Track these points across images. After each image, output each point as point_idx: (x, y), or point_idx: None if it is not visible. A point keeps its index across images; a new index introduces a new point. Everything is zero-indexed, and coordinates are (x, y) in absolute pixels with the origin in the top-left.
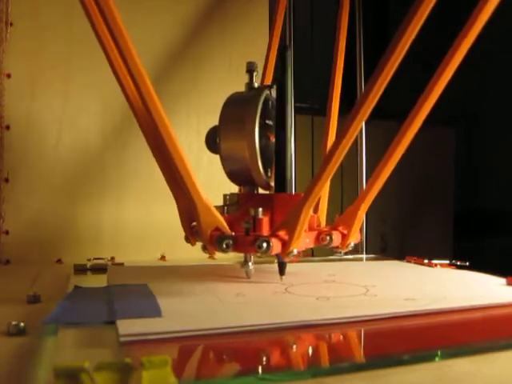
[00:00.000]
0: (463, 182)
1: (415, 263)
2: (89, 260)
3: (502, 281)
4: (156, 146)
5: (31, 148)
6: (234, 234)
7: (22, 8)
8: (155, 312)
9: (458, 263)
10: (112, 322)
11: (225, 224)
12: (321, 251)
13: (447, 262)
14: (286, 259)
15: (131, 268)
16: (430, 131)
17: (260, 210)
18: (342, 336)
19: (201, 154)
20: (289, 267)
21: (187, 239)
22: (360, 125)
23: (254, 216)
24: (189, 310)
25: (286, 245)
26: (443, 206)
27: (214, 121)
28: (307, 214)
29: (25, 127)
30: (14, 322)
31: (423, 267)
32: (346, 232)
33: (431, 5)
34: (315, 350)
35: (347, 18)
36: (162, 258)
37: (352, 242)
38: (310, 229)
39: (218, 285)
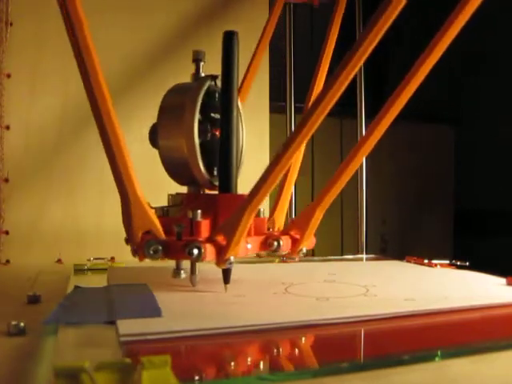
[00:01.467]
0: (463, 182)
1: (415, 263)
2: (89, 260)
3: (502, 281)
4: (105, 140)
5: (31, 148)
6: (164, 238)
7: (22, 8)
8: (155, 312)
9: (458, 263)
10: (112, 322)
11: (158, 226)
12: (321, 251)
13: (447, 262)
14: (222, 266)
15: (131, 268)
16: (430, 131)
17: (199, 212)
18: (342, 336)
19: None
20: (289, 267)
21: (127, 241)
22: (314, 124)
23: (191, 219)
24: (189, 310)
25: (222, 251)
26: (443, 206)
27: None
28: (249, 218)
29: (25, 127)
30: (13, 322)
31: (423, 267)
32: (298, 236)
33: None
34: (315, 350)
35: (339, 23)
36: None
37: (304, 247)
38: (258, 233)
39: (218, 285)
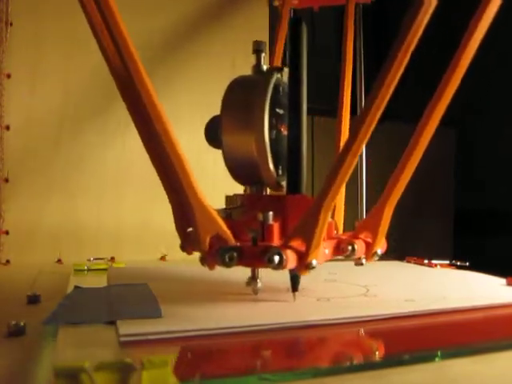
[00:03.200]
0: (463, 182)
1: (415, 263)
2: (89, 260)
3: (502, 281)
4: (150, 141)
5: (31, 148)
6: (238, 243)
7: (22, 8)
8: (155, 312)
9: (458, 263)
10: (112, 322)
11: (227, 230)
12: None
13: (447, 262)
14: (304, 272)
15: (131, 268)
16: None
17: (270, 214)
18: (342, 336)
19: (204, 154)
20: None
21: (183, 248)
22: (376, 115)
23: (262, 222)
24: (189, 310)
25: (302, 257)
26: (443, 206)
27: None
28: (326, 217)
29: (25, 127)
30: (13, 322)
31: (423, 267)
32: (369, 239)
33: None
34: (315, 350)
35: (353, 27)
36: (162, 258)
37: (378, 250)
38: (328, 237)
39: (218, 285)
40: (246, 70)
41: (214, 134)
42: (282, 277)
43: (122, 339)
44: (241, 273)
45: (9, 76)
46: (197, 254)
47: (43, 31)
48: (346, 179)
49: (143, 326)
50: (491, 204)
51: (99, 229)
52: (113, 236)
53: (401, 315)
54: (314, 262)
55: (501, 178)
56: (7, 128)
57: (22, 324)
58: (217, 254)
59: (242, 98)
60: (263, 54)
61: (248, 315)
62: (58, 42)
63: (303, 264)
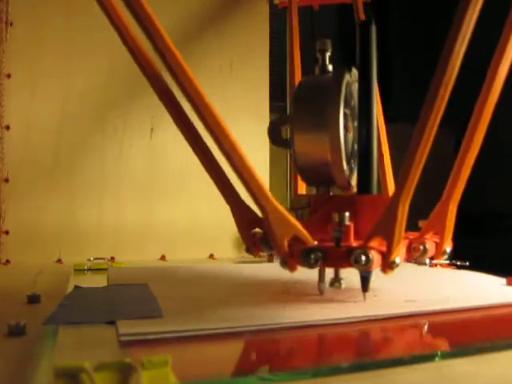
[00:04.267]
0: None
1: (415, 263)
2: (89, 260)
3: (502, 281)
4: (202, 151)
5: (31, 148)
6: (321, 245)
7: (22, 8)
8: (155, 312)
9: (458, 263)
10: (112, 322)
11: (305, 232)
12: None
13: (447, 262)
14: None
15: (131, 268)
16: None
17: (347, 214)
18: (342, 336)
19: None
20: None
21: (249, 250)
22: (441, 107)
23: (339, 222)
24: (189, 310)
25: (385, 255)
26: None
27: None
28: (404, 215)
29: (25, 127)
30: (13, 322)
31: (423, 267)
32: (437, 238)
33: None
34: (315, 350)
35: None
36: (162, 258)
37: (447, 248)
38: None
39: (217, 285)
40: (244, 70)
41: (277, 134)
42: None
43: (122, 339)
44: (242, 274)
45: (9, 76)
46: (196, 255)
47: (43, 31)
48: (418, 174)
49: (143, 326)
50: (491, 204)
51: (99, 229)
52: (113, 236)
53: (401, 315)
54: (398, 260)
55: (501, 178)
56: (7, 128)
57: (22, 324)
58: (299, 255)
59: (314, 98)
60: (328, 53)
61: (248, 315)
62: (58, 43)
63: (387, 263)
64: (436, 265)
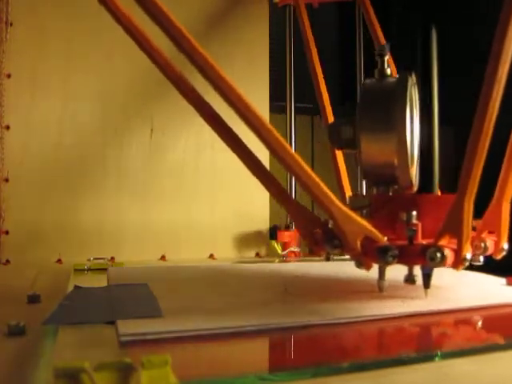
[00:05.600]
0: None
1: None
2: (89, 260)
3: (502, 281)
4: (253, 162)
5: (31, 148)
6: (396, 243)
7: (22, 8)
8: (155, 312)
9: None
10: (112, 322)
11: (376, 231)
12: None
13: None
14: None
15: (131, 268)
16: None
17: (414, 213)
18: (342, 336)
19: (202, 154)
20: (289, 267)
21: (312, 250)
22: (495, 107)
23: (406, 221)
24: (189, 310)
25: (456, 252)
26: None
27: None
28: (470, 212)
29: (25, 127)
30: (13, 322)
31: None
32: (494, 236)
33: None
34: (315, 350)
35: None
36: (162, 258)
37: (505, 245)
38: None
39: (217, 285)
40: (245, 70)
41: (337, 135)
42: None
43: (122, 339)
44: (243, 274)
45: (9, 76)
46: (196, 255)
47: (43, 31)
48: (480, 173)
49: (143, 326)
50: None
51: (99, 229)
52: (113, 236)
53: (401, 315)
54: (468, 256)
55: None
56: (7, 128)
57: (21, 324)
58: (375, 254)
59: (381, 101)
60: (387, 57)
61: (248, 315)
62: (58, 43)
63: (459, 259)
64: None
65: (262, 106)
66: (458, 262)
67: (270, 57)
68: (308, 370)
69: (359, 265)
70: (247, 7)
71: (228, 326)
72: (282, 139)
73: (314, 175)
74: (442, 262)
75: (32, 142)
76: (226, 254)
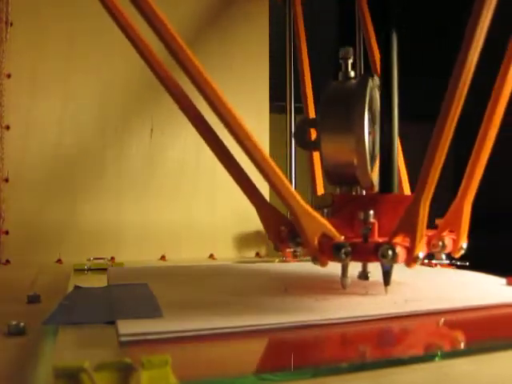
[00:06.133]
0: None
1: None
2: (89, 260)
3: (502, 281)
4: (224, 154)
5: (31, 148)
6: (351, 240)
7: (22, 8)
8: (155, 312)
9: (458, 263)
10: (112, 322)
11: (333, 229)
12: None
13: (447, 262)
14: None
15: (131, 268)
16: (428, 130)
17: (371, 212)
18: (342, 336)
19: (201, 153)
20: (289, 267)
21: (277, 247)
22: (459, 105)
23: (363, 220)
24: (189, 310)
25: (409, 251)
26: (443, 205)
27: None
28: (426, 212)
29: (25, 127)
30: (13, 322)
31: (423, 267)
32: (454, 235)
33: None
34: (315, 350)
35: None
36: (162, 258)
37: (464, 244)
38: None
39: (218, 285)
40: (244, 70)
41: (302, 136)
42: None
43: (122, 339)
44: (243, 274)
45: (9, 76)
46: (196, 255)
47: (43, 31)
48: (438, 174)
49: (143, 326)
50: (491, 204)
51: (99, 229)
52: (113, 236)
53: (401, 315)
54: (421, 255)
55: (501, 178)
56: (7, 128)
57: (21, 324)
58: (330, 250)
59: (341, 103)
60: (350, 61)
61: (248, 315)
62: (58, 43)
63: (411, 257)
64: (436, 265)
65: (262, 106)
66: (410, 260)
67: (270, 57)
68: (308, 369)
69: (315, 261)
70: (246, 6)
71: (228, 325)
72: (249, 134)
73: (278, 172)
74: (394, 259)
75: (32, 142)
76: (226, 254)
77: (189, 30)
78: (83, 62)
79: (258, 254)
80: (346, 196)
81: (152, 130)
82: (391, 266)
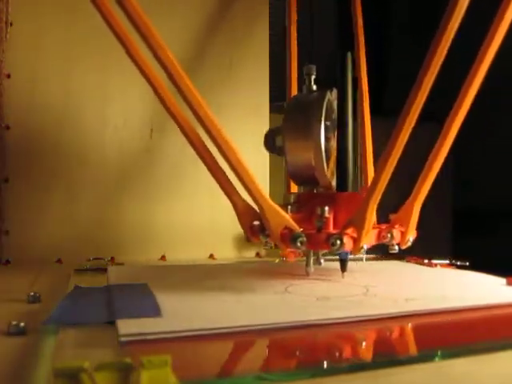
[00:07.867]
0: (463, 182)
1: (415, 263)
2: (89, 260)
3: (502, 281)
4: (202, 148)
5: (31, 148)
6: (306, 232)
7: (22, 8)
8: (155, 312)
9: (458, 263)
10: (112, 322)
11: (294, 223)
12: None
13: (447, 261)
14: (357, 253)
15: (131, 268)
16: (427, 129)
17: (327, 208)
18: (342, 336)
19: None
20: (288, 267)
21: (248, 239)
22: (416, 112)
23: (320, 214)
24: (189, 310)
25: (356, 241)
26: (442, 205)
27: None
28: (373, 210)
29: (25, 127)
30: (14, 322)
31: (423, 267)
32: (403, 229)
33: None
34: (315, 350)
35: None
36: (162, 257)
37: (410, 237)
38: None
39: (217, 285)
40: (244, 70)
41: (271, 143)
42: None
43: (122, 339)
44: (243, 273)
45: (9, 76)
46: (196, 255)
47: (43, 31)
48: (389, 176)
49: (143, 326)
50: (491, 203)
51: (99, 229)
52: (113, 236)
53: (401, 315)
54: (365, 246)
55: (501, 177)
56: (7, 128)
57: (22, 324)
58: (289, 240)
59: (301, 114)
60: (313, 77)
61: (248, 315)
62: (58, 42)
63: (357, 247)
64: (436, 265)
65: (262, 106)
66: (355, 249)
67: (270, 57)
68: (307, 369)
69: (278, 248)
70: (247, 6)
71: (228, 325)
72: (221, 131)
73: (249, 172)
74: (341, 247)
75: (32, 141)
76: (226, 254)
77: (189, 31)
78: (83, 61)
79: (258, 254)
80: (307, 194)
81: (152, 130)
82: (347, 254)
